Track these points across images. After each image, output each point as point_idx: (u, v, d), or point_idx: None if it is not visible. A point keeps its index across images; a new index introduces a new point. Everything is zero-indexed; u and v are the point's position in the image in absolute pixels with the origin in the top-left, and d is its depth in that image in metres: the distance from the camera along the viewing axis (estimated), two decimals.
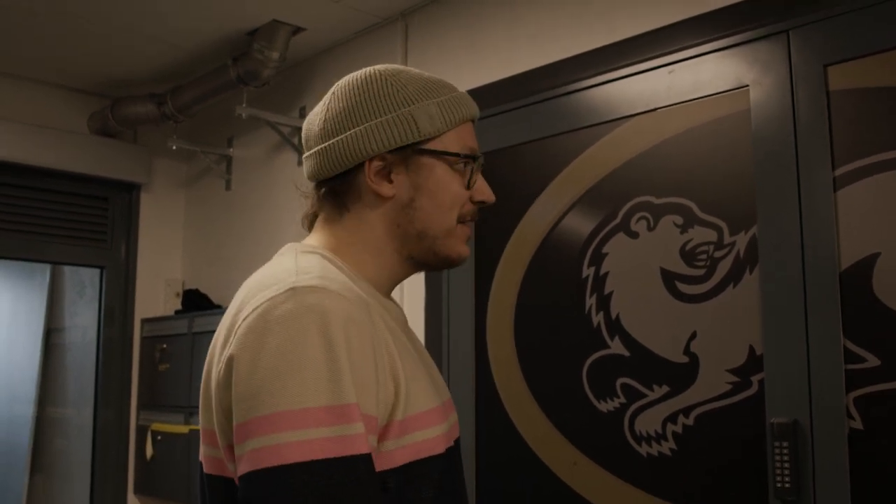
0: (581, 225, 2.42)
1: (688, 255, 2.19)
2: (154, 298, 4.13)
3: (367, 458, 0.98)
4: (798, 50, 1.99)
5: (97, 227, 4.07)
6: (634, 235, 2.29)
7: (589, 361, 2.35)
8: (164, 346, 3.82)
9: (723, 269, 2.12)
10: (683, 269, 2.19)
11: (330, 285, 1.04)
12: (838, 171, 1.91)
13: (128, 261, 4.12)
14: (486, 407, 2.58)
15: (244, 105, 3.37)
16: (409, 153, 1.18)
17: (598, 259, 2.37)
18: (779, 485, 1.90)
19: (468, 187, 1.22)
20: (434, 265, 1.25)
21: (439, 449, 1.13)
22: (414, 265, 1.24)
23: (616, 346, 2.30)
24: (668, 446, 2.16)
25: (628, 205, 2.32)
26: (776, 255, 2.00)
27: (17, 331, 5.01)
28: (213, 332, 1.15)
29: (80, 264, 4.17)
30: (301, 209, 1.29)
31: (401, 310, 1.28)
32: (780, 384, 1.95)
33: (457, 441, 1.25)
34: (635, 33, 2.34)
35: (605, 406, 2.30)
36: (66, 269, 4.57)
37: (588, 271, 2.38)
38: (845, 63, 1.92)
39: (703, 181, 2.17)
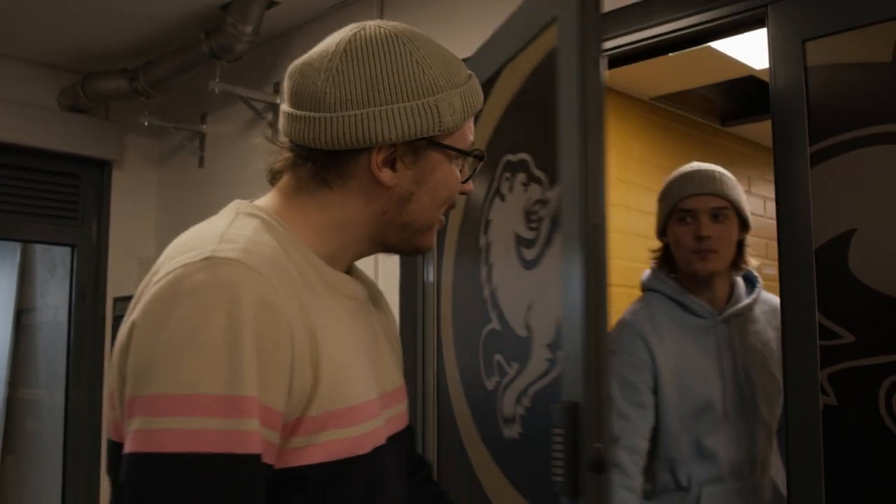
0: (478, 192, 2.13)
1: (528, 216, 1.93)
2: (126, 277, 4.08)
3: (253, 459, 0.91)
4: (776, 25, 1.97)
5: (68, 205, 4.01)
6: (503, 198, 2.02)
7: (482, 337, 2.10)
8: None
9: (545, 230, 1.85)
10: (525, 231, 1.94)
11: (249, 259, 0.96)
12: (815, 147, 1.90)
13: (99, 239, 4.07)
14: (441, 390, 2.52)
15: (217, 80, 3.32)
16: (422, 145, 1.10)
17: (486, 228, 2.13)
18: (556, 478, 1.61)
19: (463, 182, 1.17)
20: (404, 253, 1.20)
21: (364, 448, 1.05)
22: (380, 249, 1.18)
23: (495, 321, 2.05)
24: (516, 430, 1.93)
25: (500, 164, 2.05)
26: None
27: None
28: None
29: (51, 243, 4.12)
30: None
31: (364, 285, 1.20)
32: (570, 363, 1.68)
33: (398, 434, 1.19)
34: (613, 8, 2.32)
35: (490, 383, 2.05)
36: (37, 247, 4.51)
37: (482, 240, 2.13)
38: (824, 38, 1.91)
39: (540, 133, 1.96)
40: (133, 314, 0.95)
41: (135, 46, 3.63)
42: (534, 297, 1.90)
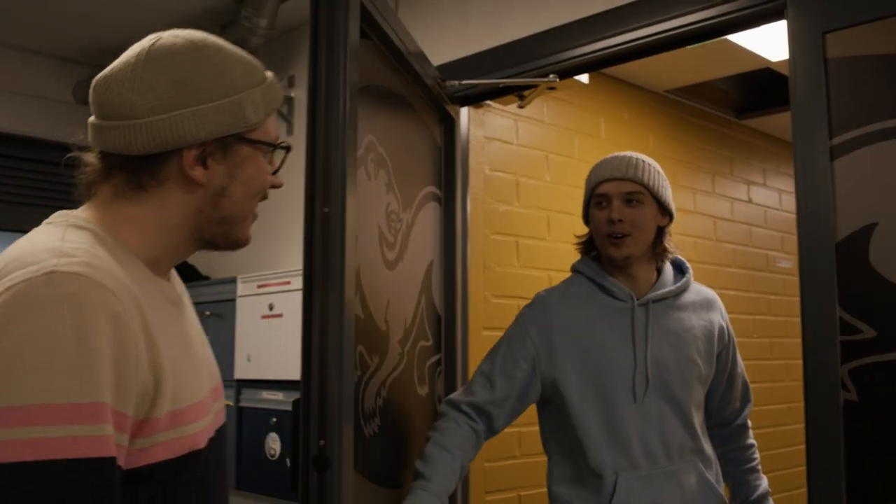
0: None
1: (389, 218, 2.03)
2: None
3: (110, 462, 0.93)
4: (796, 17, 1.95)
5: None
6: (369, 176, 1.95)
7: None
8: (208, 313, 3.79)
9: (400, 241, 2.10)
10: (387, 230, 2.02)
11: (93, 273, 0.97)
12: (835, 140, 1.88)
13: None
14: None
15: None
16: (230, 141, 1.15)
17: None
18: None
19: (273, 174, 1.23)
20: (221, 247, 1.23)
21: (201, 443, 1.12)
22: (200, 246, 1.22)
23: (358, 307, 1.90)
24: (377, 423, 1.94)
25: (367, 139, 1.95)
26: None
27: None
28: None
29: None
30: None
31: (176, 288, 1.24)
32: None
33: (220, 429, 1.24)
34: (631, 0, 2.31)
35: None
36: None
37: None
38: (844, 30, 1.89)
39: (405, 151, 2.14)
40: None
41: None
42: (391, 294, 2.03)
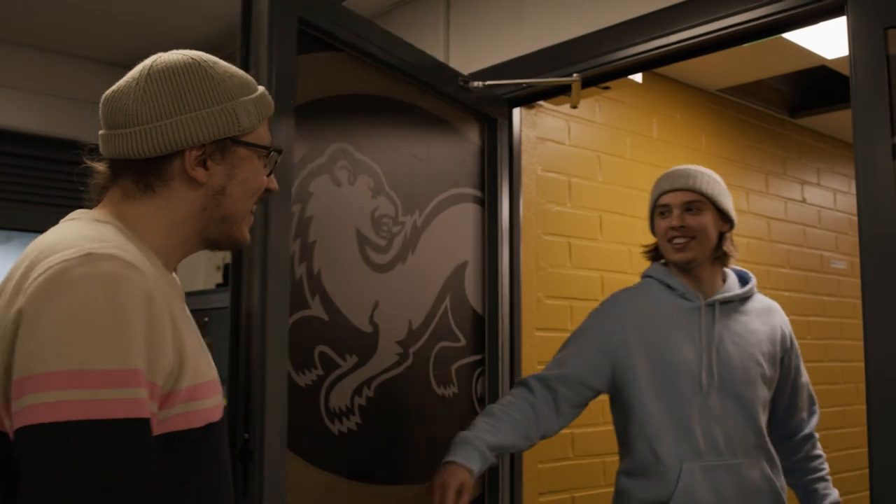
0: (299, 145, 1.97)
1: (376, 222, 2.13)
2: (194, 272, 4.14)
3: (146, 423, 1.04)
4: (857, 12, 1.93)
5: None
6: (338, 184, 2.04)
7: (291, 322, 1.90)
8: (207, 319, 3.84)
9: (397, 244, 2.18)
10: (372, 234, 2.11)
11: (126, 255, 1.09)
12: None
13: None
14: None
15: None
16: (227, 144, 1.27)
17: (304, 197, 1.97)
18: None
19: (268, 176, 1.35)
20: (224, 246, 1.35)
21: (216, 417, 1.22)
22: (205, 245, 1.33)
23: (316, 307, 1.97)
24: (354, 421, 2.02)
25: (332, 147, 2.04)
26: None
27: None
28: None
29: None
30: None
31: (180, 286, 1.34)
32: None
33: (224, 418, 1.33)
34: None
35: (304, 379, 1.93)
36: None
37: (294, 208, 1.94)
38: None
39: (410, 156, 2.22)
40: (16, 305, 1.05)
41: (200, 44, 3.67)
42: (381, 297, 2.11)
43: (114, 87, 1.29)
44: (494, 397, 2.52)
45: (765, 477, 2.16)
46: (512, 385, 2.62)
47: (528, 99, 2.80)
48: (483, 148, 2.64)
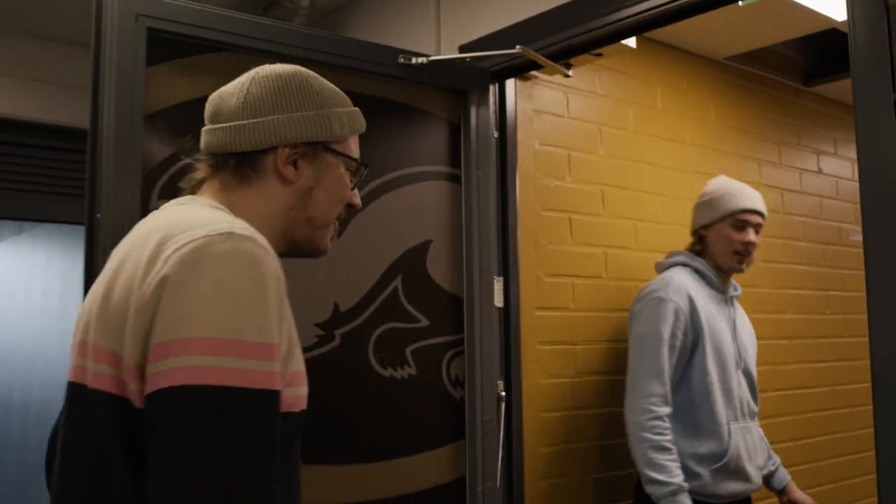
0: (155, 148, 2.12)
1: None
2: None
3: (279, 396, 1.09)
4: None
5: None
6: None
7: None
8: None
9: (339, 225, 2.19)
10: None
11: (259, 238, 1.15)
12: None
13: None
14: None
15: None
16: (318, 148, 1.36)
17: (173, 194, 1.84)
18: None
19: (351, 189, 1.43)
20: (305, 251, 1.42)
21: (305, 405, 1.25)
22: (289, 246, 1.39)
23: None
24: None
25: None
26: None
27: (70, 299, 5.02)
28: None
29: None
30: None
31: None
32: None
33: None
34: None
35: None
36: None
37: (158, 204, 2.03)
38: None
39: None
40: (159, 272, 1.08)
41: None
42: (296, 278, 2.22)
43: (221, 89, 1.39)
44: (475, 380, 2.51)
45: (761, 435, 2.83)
46: (507, 369, 2.59)
47: (516, 71, 2.71)
48: (460, 124, 2.62)
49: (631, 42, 2.61)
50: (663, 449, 2.47)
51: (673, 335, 2.60)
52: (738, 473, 2.63)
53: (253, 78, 1.37)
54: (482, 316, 2.56)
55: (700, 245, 2.81)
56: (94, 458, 1.11)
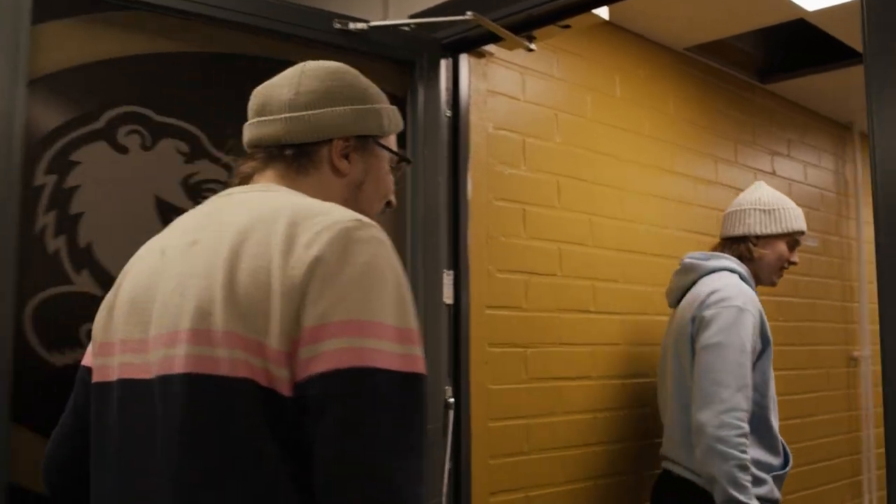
0: (42, 117, 1.85)
1: (192, 190, 1.98)
2: None
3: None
4: None
5: None
6: (123, 150, 1.89)
7: (37, 300, 1.81)
8: None
9: None
10: (185, 203, 1.96)
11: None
12: None
13: None
14: None
15: None
16: (369, 142, 1.37)
17: (63, 167, 1.85)
18: None
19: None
20: None
21: None
22: None
23: (83, 283, 1.86)
24: None
25: (116, 111, 1.91)
26: None
27: None
28: None
29: None
30: None
31: None
32: None
33: None
34: None
35: (62, 359, 1.82)
36: None
37: (45, 179, 1.84)
38: None
39: (229, 115, 1.96)
40: (306, 252, 1.07)
41: None
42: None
43: (266, 83, 1.38)
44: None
45: None
46: (456, 374, 2.39)
47: (471, 44, 2.46)
48: (406, 97, 2.38)
49: (603, 12, 2.37)
50: (747, 468, 2.36)
51: (753, 348, 2.52)
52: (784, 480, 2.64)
53: (303, 71, 1.36)
54: (428, 314, 2.30)
55: (749, 253, 2.75)
56: (235, 448, 1.06)
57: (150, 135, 1.93)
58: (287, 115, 1.32)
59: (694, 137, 3.57)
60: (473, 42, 2.45)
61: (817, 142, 4.49)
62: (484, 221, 2.64)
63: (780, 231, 2.72)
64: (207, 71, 2.04)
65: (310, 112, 1.32)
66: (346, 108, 1.34)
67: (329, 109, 1.32)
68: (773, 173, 4.10)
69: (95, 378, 1.27)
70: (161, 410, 1.11)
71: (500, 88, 2.76)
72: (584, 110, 3.06)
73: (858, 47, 3.47)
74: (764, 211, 2.75)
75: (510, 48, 2.51)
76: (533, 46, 2.35)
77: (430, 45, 2.40)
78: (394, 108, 1.44)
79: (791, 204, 2.79)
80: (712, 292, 2.55)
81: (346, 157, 1.35)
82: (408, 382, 1.05)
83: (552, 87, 2.95)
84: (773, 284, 2.80)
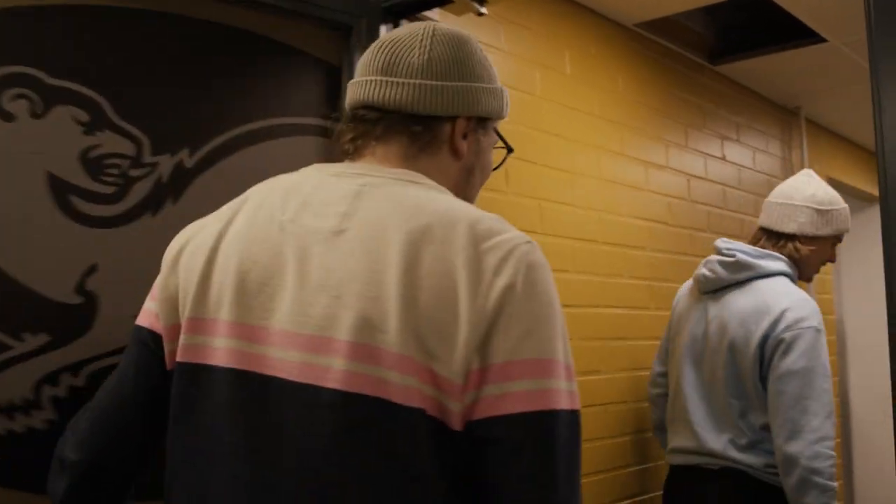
0: None
1: (92, 165, 1.68)
2: None
3: None
4: None
5: None
6: (8, 117, 1.62)
7: None
8: None
9: (139, 192, 1.72)
10: (84, 181, 1.67)
11: None
12: None
13: None
14: None
15: None
16: (488, 125, 1.26)
17: None
18: None
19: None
20: None
21: None
22: None
23: None
24: (42, 417, 1.57)
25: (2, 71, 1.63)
26: None
27: None
28: None
29: None
30: None
31: None
32: None
33: None
34: None
35: None
36: None
37: None
38: None
39: (140, 79, 1.76)
40: (496, 281, 1.01)
41: None
42: (102, 259, 1.66)
43: (390, 36, 1.24)
44: None
45: None
46: None
47: (415, 7, 2.22)
48: (341, 67, 2.12)
49: None
50: (835, 496, 2.31)
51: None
52: None
53: (433, 35, 1.22)
54: None
55: (797, 252, 2.58)
56: (398, 477, 0.99)
57: (41, 100, 1.63)
58: (420, 80, 1.19)
59: (645, 119, 3.38)
60: (417, 6, 2.21)
61: (765, 127, 4.35)
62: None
63: (831, 232, 2.58)
64: (112, 28, 1.75)
65: (444, 83, 1.19)
66: (477, 84, 1.22)
67: (462, 84, 1.21)
68: (724, 158, 3.94)
69: (183, 357, 1.12)
70: (296, 418, 1.03)
71: None
72: (533, 87, 2.84)
73: (811, 22, 3.35)
74: (819, 211, 2.57)
75: (459, 13, 2.27)
76: (484, 10, 2.12)
77: (370, 9, 2.14)
78: (507, 91, 1.32)
79: (842, 202, 2.64)
80: (786, 310, 2.41)
81: (465, 137, 1.23)
82: (576, 420, 1.03)
83: (498, 60, 2.72)
84: (810, 280, 2.68)
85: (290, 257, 1.07)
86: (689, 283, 2.80)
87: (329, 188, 1.13)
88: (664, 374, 2.82)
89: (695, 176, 3.69)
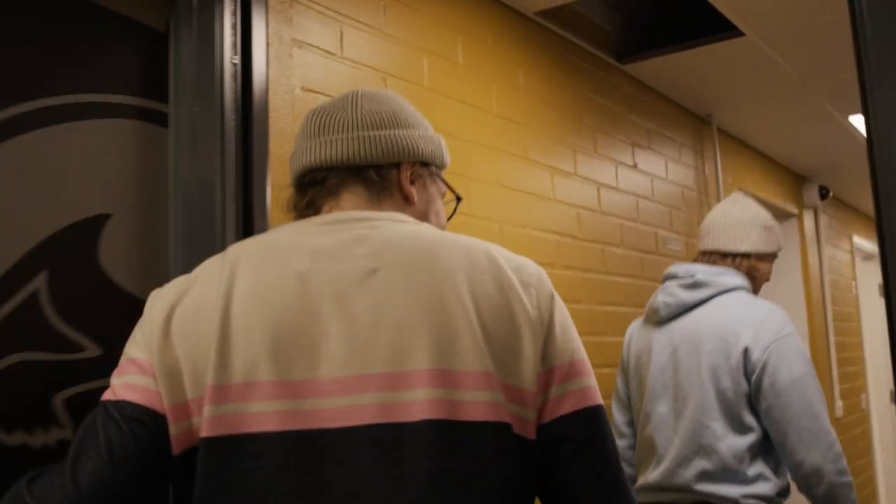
0: None
1: None
2: None
3: None
4: None
5: None
6: None
7: None
8: None
9: None
10: None
11: None
12: None
13: None
14: None
15: None
16: (433, 171, 1.29)
17: None
18: None
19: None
20: None
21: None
22: None
23: None
24: None
25: None
26: None
27: None
28: None
29: None
30: None
31: None
32: None
33: None
34: None
35: None
36: None
37: None
38: None
39: None
40: (539, 294, 1.13)
41: None
42: None
43: (320, 106, 1.28)
44: None
45: None
46: None
47: None
48: (168, 34, 1.78)
49: None
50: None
51: None
52: None
53: (362, 95, 1.27)
54: None
55: (753, 270, 2.57)
56: (502, 499, 1.04)
57: None
58: (357, 133, 1.23)
59: (549, 120, 3.02)
60: None
61: (677, 134, 4.05)
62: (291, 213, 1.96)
63: (774, 249, 2.60)
64: None
65: (380, 132, 1.23)
66: (412, 131, 1.26)
67: (398, 131, 1.24)
68: (635, 167, 3.61)
69: (214, 431, 1.02)
70: (382, 464, 1.00)
71: (310, 39, 2.09)
72: (420, 76, 2.44)
73: (726, 11, 3.05)
74: (765, 228, 2.57)
75: None
76: None
77: None
78: (444, 139, 1.34)
79: (777, 225, 2.68)
80: (764, 321, 2.36)
81: (412, 183, 1.26)
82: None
83: (379, 43, 2.30)
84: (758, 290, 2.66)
85: (325, 305, 1.05)
86: (637, 321, 2.66)
87: (331, 235, 1.13)
88: (630, 423, 2.66)
89: (605, 185, 3.34)
